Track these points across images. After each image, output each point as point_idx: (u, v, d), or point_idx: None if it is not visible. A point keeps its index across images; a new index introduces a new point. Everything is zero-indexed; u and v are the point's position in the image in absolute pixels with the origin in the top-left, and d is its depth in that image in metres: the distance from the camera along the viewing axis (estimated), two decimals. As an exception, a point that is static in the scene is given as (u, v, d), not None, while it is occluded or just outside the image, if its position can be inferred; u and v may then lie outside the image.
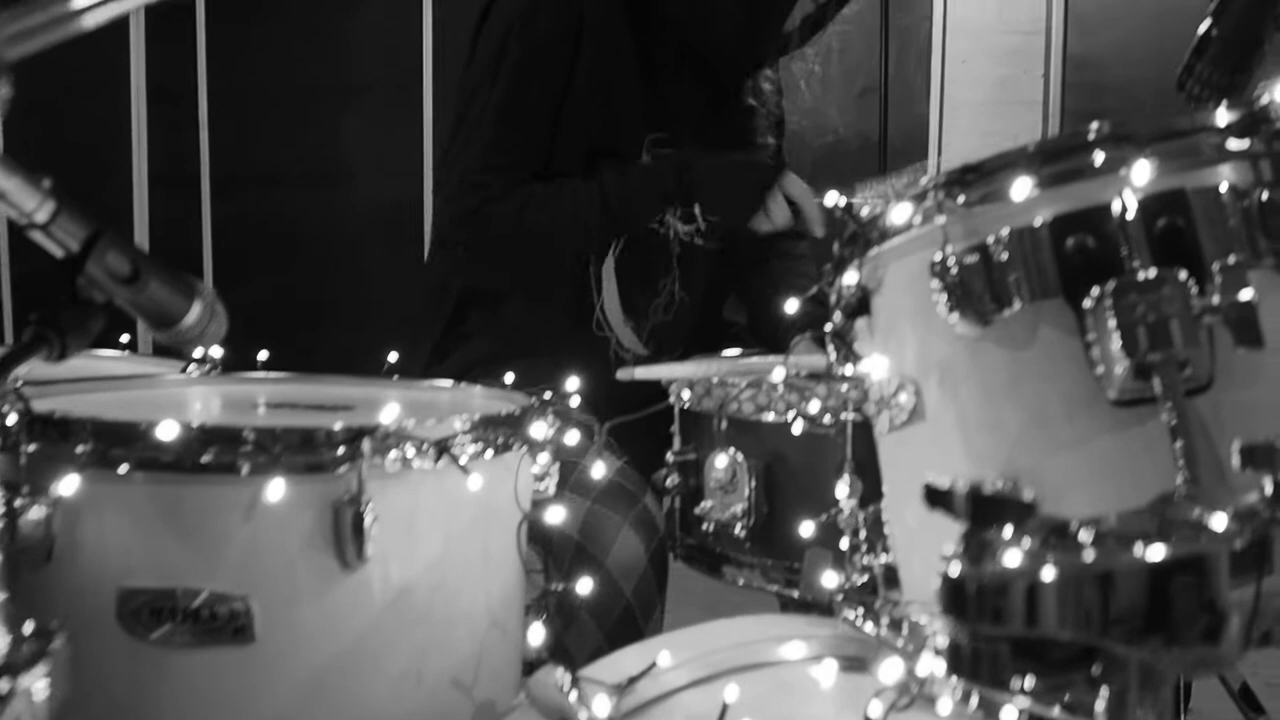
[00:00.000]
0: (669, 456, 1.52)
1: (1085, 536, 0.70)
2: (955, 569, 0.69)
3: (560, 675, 1.12)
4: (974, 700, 0.94)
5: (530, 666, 1.37)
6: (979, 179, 0.94)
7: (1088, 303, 0.88)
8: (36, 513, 1.14)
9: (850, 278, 1.05)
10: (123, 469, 1.15)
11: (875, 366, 1.04)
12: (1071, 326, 0.89)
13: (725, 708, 1.05)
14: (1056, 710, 0.78)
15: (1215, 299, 0.84)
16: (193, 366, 1.65)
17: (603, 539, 1.67)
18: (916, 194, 0.97)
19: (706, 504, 1.47)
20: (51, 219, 0.95)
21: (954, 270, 0.92)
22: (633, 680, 1.13)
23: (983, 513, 0.70)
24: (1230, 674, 1.58)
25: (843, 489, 1.20)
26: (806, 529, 1.34)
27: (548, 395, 1.38)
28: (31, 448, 1.16)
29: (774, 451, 1.44)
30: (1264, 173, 0.90)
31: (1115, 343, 0.85)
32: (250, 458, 1.15)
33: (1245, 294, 0.84)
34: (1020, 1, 4.29)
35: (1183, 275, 0.85)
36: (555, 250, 1.89)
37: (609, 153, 1.89)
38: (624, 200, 1.85)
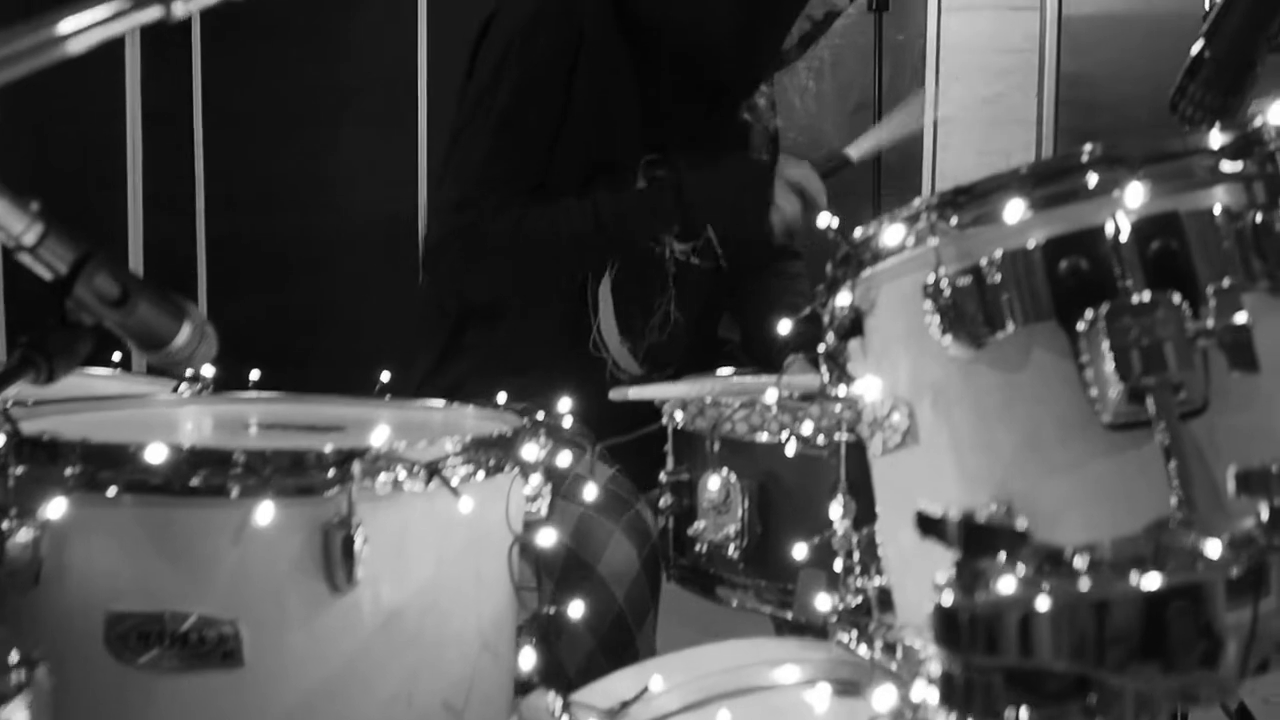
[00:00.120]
0: (662, 477, 1.51)
1: (1080, 564, 0.69)
2: (948, 598, 0.68)
3: (552, 699, 1.11)
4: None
5: (522, 688, 1.36)
6: (971, 201, 0.94)
7: (1081, 325, 0.87)
8: (24, 536, 1.13)
9: (843, 299, 1.05)
10: (111, 491, 1.14)
11: (868, 388, 1.03)
12: (1065, 349, 0.89)
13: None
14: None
15: (1209, 322, 0.84)
16: (184, 386, 1.64)
17: (595, 545, 1.66)
18: (909, 216, 0.96)
19: (700, 525, 1.46)
20: (39, 242, 0.94)
21: (947, 292, 0.92)
22: (625, 705, 1.12)
23: (975, 541, 0.69)
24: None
25: (836, 510, 1.20)
26: (800, 550, 1.33)
27: (540, 415, 1.37)
28: (19, 470, 1.15)
29: (767, 472, 1.43)
30: (1258, 195, 0.90)
31: (1109, 366, 0.85)
32: (240, 480, 1.14)
33: (1240, 317, 0.83)
34: (1014, 20, 4.29)
35: (1176, 298, 0.85)
36: (549, 268, 1.88)
37: (605, 171, 1.89)
38: (620, 220, 1.85)
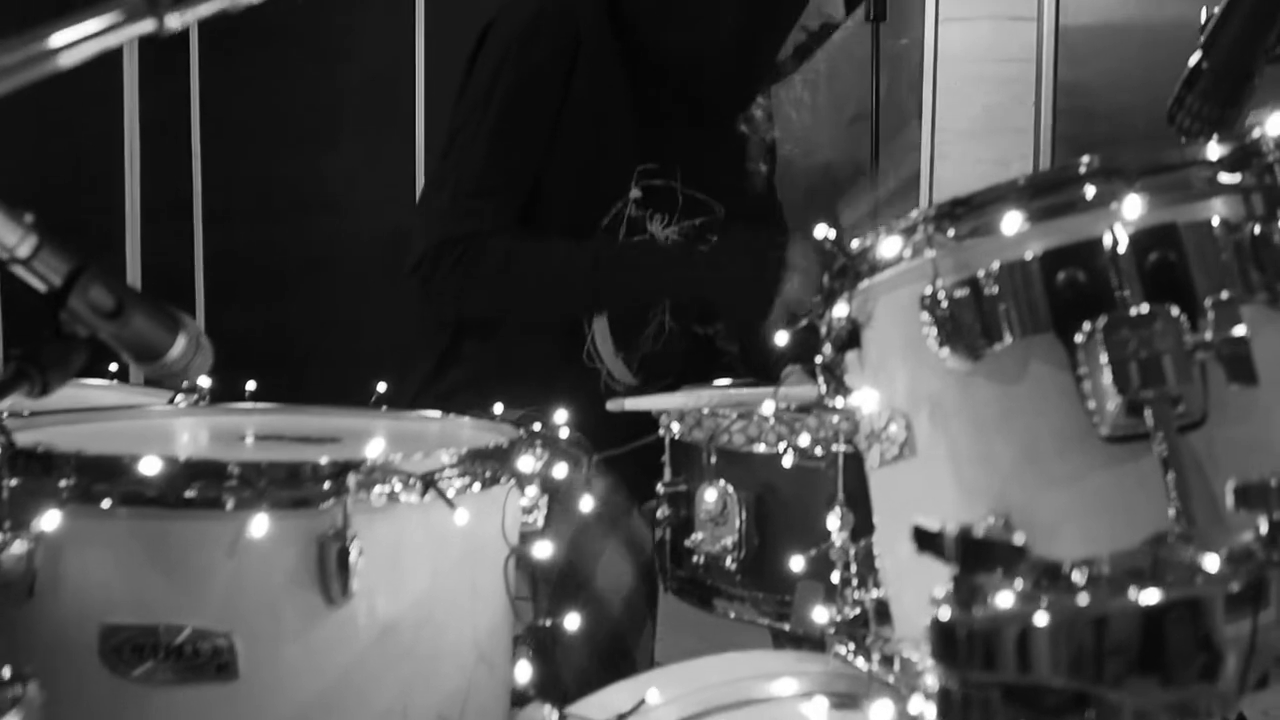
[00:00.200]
0: (659, 488, 1.51)
1: (1078, 578, 0.69)
2: (945, 613, 0.68)
3: (548, 712, 1.11)
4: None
5: (518, 700, 1.36)
6: (969, 212, 0.94)
7: (1079, 338, 0.87)
8: (18, 548, 1.13)
9: (840, 310, 1.04)
10: (106, 504, 1.14)
11: (866, 400, 1.03)
12: (1063, 361, 0.88)
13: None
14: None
15: (1208, 335, 0.84)
16: (180, 397, 1.63)
17: (591, 561, 1.66)
18: (906, 227, 0.96)
19: (697, 536, 1.46)
20: (34, 254, 0.94)
21: (944, 304, 0.92)
22: (622, 718, 1.12)
23: (973, 556, 0.69)
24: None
25: (834, 522, 1.19)
26: (798, 562, 1.33)
27: (537, 426, 1.37)
28: (13, 482, 1.15)
29: (765, 483, 1.43)
30: (1256, 207, 0.90)
31: (1107, 378, 0.85)
32: (235, 492, 1.13)
33: (1238, 330, 0.83)
34: (1011, 29, 4.30)
35: (1175, 311, 0.85)
36: (536, 306, 1.88)
37: (600, 178, 1.89)
38: (618, 284, 1.84)
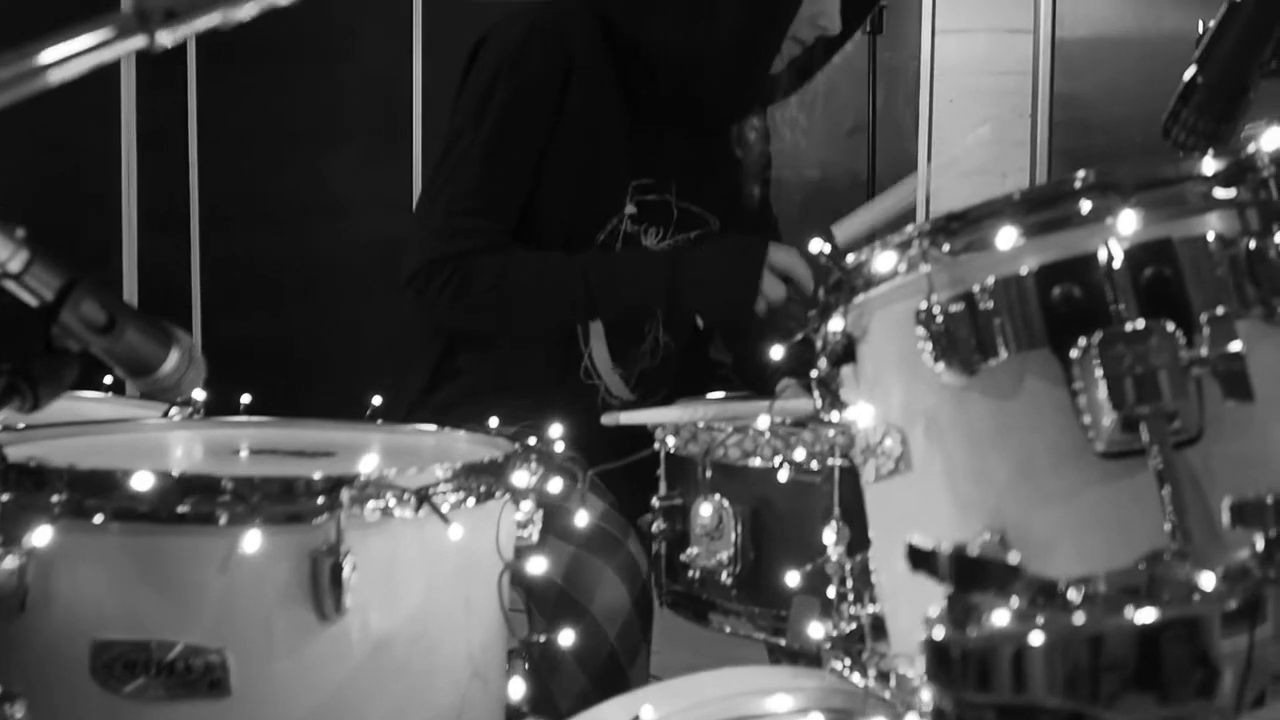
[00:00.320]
0: (654, 502, 1.50)
1: (1074, 597, 0.68)
2: (940, 633, 0.67)
3: (542, 729, 1.10)
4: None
5: (513, 717, 1.35)
6: (964, 227, 0.93)
7: (1074, 353, 0.87)
8: (10, 563, 1.13)
9: (835, 325, 1.04)
10: (98, 519, 1.14)
11: (861, 415, 1.03)
12: (1058, 377, 0.88)
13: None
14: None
15: (1203, 350, 0.83)
16: (175, 410, 1.63)
17: (587, 585, 1.65)
18: (901, 242, 0.96)
19: (692, 550, 1.45)
20: (25, 269, 0.94)
21: (939, 319, 0.91)
22: (616, 734, 1.11)
23: (967, 575, 0.69)
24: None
25: (829, 536, 1.19)
26: (793, 577, 1.32)
27: (532, 440, 1.36)
28: (5, 497, 1.15)
29: (760, 497, 1.42)
30: (1251, 221, 0.90)
31: (1102, 394, 0.85)
32: (228, 508, 1.13)
33: (1234, 345, 0.83)
34: (1008, 42, 4.31)
35: (1170, 326, 0.85)
36: (529, 319, 1.88)
37: (594, 195, 1.88)
38: (606, 287, 1.84)
